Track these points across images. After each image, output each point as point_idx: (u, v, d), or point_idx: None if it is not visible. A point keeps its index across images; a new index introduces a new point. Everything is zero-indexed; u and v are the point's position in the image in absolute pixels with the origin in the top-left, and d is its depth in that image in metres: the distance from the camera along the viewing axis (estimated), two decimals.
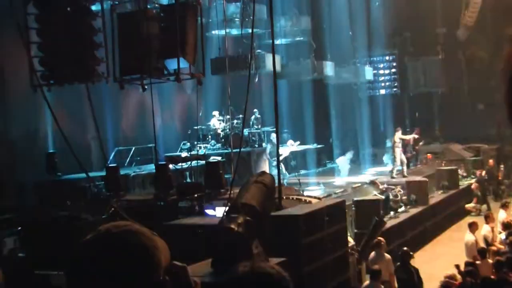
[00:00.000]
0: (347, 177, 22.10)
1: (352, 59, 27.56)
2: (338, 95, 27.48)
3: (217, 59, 21.03)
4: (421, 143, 25.08)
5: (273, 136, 19.59)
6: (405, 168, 20.68)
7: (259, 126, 22.66)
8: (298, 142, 21.38)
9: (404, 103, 30.78)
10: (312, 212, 10.43)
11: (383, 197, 16.64)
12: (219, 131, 22.18)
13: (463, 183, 22.22)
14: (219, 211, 11.96)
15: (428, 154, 25.50)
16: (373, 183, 18.45)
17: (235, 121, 21.67)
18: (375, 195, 17.17)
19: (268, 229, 9.22)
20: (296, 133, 25.10)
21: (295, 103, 26.24)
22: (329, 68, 25.28)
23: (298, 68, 24.67)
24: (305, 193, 15.04)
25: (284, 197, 11.82)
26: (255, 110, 22.99)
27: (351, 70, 27.25)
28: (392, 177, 20.21)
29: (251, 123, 22.67)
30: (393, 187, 18.30)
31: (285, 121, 24.44)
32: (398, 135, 20.67)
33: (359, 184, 18.80)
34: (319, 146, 26.56)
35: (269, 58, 19.31)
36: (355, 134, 27.60)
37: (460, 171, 22.38)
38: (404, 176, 20.14)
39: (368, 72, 28.35)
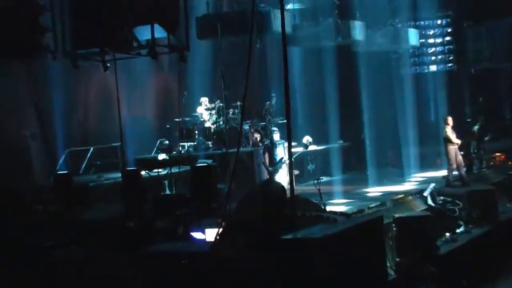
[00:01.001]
0: (385, 186, 22.24)
1: (389, 20, 26.81)
2: (371, 70, 26.57)
3: (205, 18, 20.57)
4: (486, 138, 24.95)
5: (275, 130, 19.28)
6: (463, 172, 20.83)
7: (269, 117, 22.75)
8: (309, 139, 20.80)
9: (463, 83, 30.24)
10: (338, 234, 10.40)
11: (429, 212, 16.60)
12: (209, 124, 21.99)
13: None
14: (210, 234, 12.13)
15: (498, 154, 25.35)
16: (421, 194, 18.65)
17: (231, 110, 21.44)
18: (425, 210, 17.24)
19: (277, 257, 9.31)
20: (314, 125, 24.90)
21: (313, 82, 25.76)
22: (358, 30, 24.45)
23: (317, 30, 23.97)
24: (328, 208, 15.04)
25: (299, 214, 11.96)
26: (272, 94, 22.90)
27: (389, 33, 26.37)
28: (448, 185, 20.38)
29: (264, 111, 22.40)
30: (449, 199, 18.42)
31: (299, 108, 23.97)
32: (450, 126, 20.76)
33: (402, 195, 18.79)
34: (346, 143, 25.99)
35: (276, 16, 18.98)
36: (395, 126, 27.02)
37: None
38: (464, 184, 20.26)
39: (413, 36, 27.55)
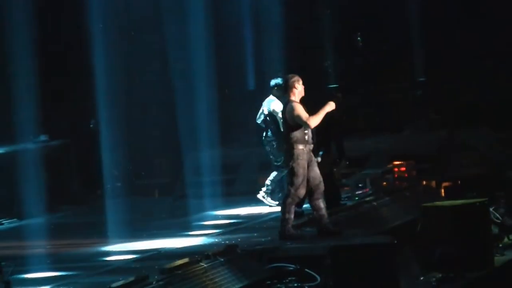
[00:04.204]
0: (143, 242, 13.91)
1: None
2: None
3: None
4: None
5: None
6: (321, 205, 13.19)
7: None
8: None
9: None
10: None
11: None
12: None
13: None
14: None
15: (398, 163, 17.76)
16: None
17: None
18: None
19: None
20: None
21: None
22: None
23: None
24: None
25: None
26: None
27: None
28: (286, 236, 13.22)
29: None
30: (290, 266, 12.08)
31: None
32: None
33: (181, 262, 11.10)
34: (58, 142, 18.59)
35: None
36: (168, 103, 19.41)
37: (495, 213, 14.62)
38: (324, 231, 13.05)
39: None
